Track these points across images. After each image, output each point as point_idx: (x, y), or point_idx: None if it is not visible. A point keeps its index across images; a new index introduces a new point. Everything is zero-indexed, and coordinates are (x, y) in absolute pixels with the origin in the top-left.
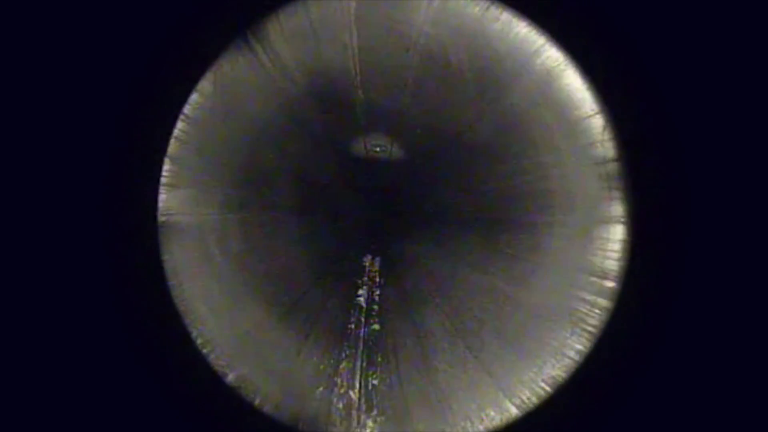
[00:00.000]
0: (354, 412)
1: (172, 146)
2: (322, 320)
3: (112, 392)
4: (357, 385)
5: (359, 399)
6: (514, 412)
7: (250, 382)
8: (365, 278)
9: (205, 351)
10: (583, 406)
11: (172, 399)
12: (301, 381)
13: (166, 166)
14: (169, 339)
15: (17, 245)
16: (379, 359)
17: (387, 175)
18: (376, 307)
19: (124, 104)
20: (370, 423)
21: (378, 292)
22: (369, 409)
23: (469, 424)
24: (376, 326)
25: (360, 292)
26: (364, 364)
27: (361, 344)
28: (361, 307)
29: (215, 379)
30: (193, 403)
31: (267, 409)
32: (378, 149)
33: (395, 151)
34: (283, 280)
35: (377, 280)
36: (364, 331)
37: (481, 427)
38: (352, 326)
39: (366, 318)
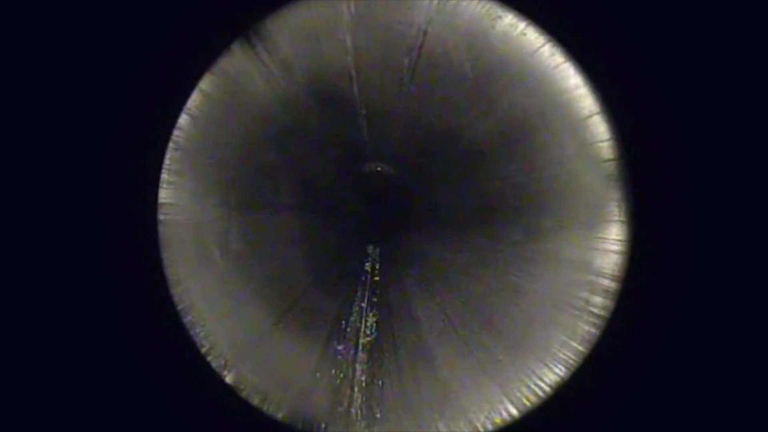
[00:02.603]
0: (353, 412)
1: (173, 145)
2: (322, 319)
3: (111, 392)
4: (356, 384)
5: (359, 398)
6: (513, 412)
7: (250, 382)
8: (366, 270)
9: (204, 351)
10: (583, 406)
11: (172, 399)
12: (301, 380)
13: (167, 165)
14: (169, 339)
15: (16, 246)
16: (379, 359)
17: (387, 175)
18: (375, 305)
19: (125, 103)
20: (369, 422)
21: (378, 291)
22: (368, 409)
23: (468, 424)
24: (375, 319)
25: (359, 290)
26: (364, 364)
27: (360, 344)
28: (361, 305)
29: (215, 378)
30: (193, 403)
31: (267, 409)
32: (378, 148)
33: (395, 151)
34: (283, 279)
35: (377, 276)
36: (363, 329)
37: (480, 427)
38: (352, 325)
39: (366, 316)
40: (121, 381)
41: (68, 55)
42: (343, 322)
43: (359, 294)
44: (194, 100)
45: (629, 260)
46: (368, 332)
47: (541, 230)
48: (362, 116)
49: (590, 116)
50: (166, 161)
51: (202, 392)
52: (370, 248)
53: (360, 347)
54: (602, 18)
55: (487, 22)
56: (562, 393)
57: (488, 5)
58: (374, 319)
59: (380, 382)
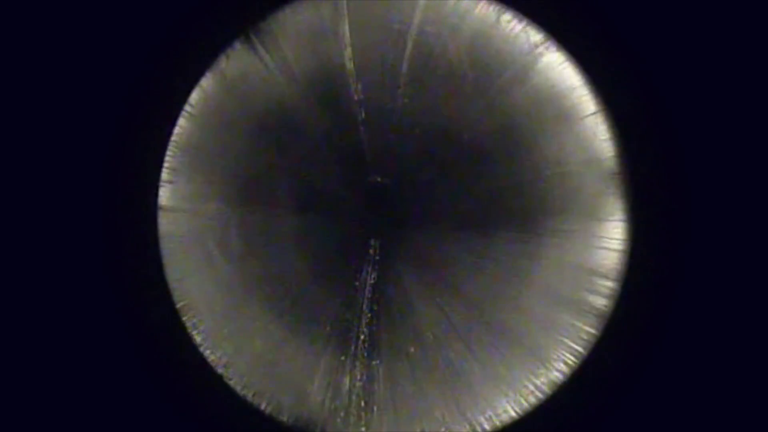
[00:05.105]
0: (353, 412)
1: (173, 145)
2: (322, 319)
3: (111, 392)
4: (356, 385)
5: (358, 398)
6: (512, 412)
7: (250, 382)
8: (366, 270)
9: (204, 351)
10: (582, 406)
11: (171, 399)
12: (301, 380)
13: (167, 165)
14: (169, 338)
15: (16, 246)
16: (378, 359)
17: (386, 175)
18: (375, 305)
19: (125, 103)
20: (368, 422)
21: (378, 291)
22: (368, 409)
23: (467, 425)
24: (374, 319)
25: (359, 290)
26: (364, 364)
27: (360, 344)
28: (360, 305)
29: (215, 378)
30: (193, 403)
31: (267, 409)
32: (377, 148)
33: (394, 151)
34: (282, 279)
35: (376, 276)
36: (363, 329)
37: (479, 428)
38: (352, 325)
39: (365, 315)
40: (120, 380)
41: (68, 55)
42: (343, 321)
43: (359, 294)
44: (194, 100)
45: (629, 260)
46: (367, 332)
47: (541, 230)
48: (362, 116)
49: (590, 115)
50: (166, 161)
51: (202, 392)
52: (369, 248)
53: (359, 347)
54: (602, 17)
55: (487, 22)
56: (562, 393)
57: (488, 5)
58: (374, 319)
59: (379, 382)
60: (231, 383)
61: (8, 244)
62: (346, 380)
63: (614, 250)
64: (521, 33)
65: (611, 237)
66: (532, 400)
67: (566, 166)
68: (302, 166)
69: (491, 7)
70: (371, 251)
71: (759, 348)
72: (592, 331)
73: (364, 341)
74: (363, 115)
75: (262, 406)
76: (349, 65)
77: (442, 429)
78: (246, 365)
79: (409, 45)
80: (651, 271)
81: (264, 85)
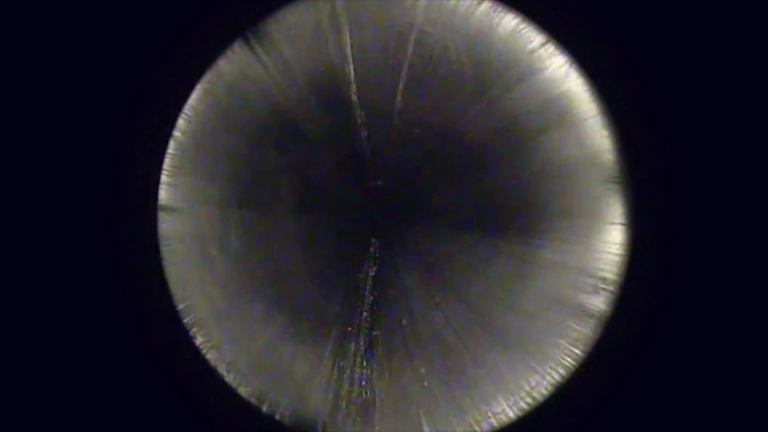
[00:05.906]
0: (352, 411)
1: (173, 146)
2: (322, 319)
3: (111, 392)
4: (355, 384)
5: (357, 398)
6: (510, 414)
7: (250, 382)
8: (366, 270)
9: (204, 351)
10: (579, 409)
11: (172, 399)
12: (301, 380)
13: (167, 166)
14: (169, 339)
15: (17, 246)
16: (378, 359)
17: (386, 175)
18: (374, 305)
19: (125, 103)
20: (367, 422)
21: (377, 291)
22: (367, 408)
23: (466, 426)
24: (374, 319)
25: (358, 290)
26: (363, 364)
27: (359, 343)
28: (360, 305)
29: (215, 378)
30: (193, 403)
31: (266, 409)
32: (377, 149)
33: (394, 151)
34: (283, 279)
35: (376, 276)
36: (362, 329)
37: (477, 428)
38: (351, 325)
39: (364, 316)
40: (120, 381)
41: (68, 55)
42: (342, 321)
43: (358, 294)
44: (194, 100)
45: (628, 263)
46: (367, 332)
47: (541, 231)
48: (361, 116)
49: (590, 117)
50: (166, 161)
51: (202, 392)
52: (369, 248)
53: (359, 347)
54: (602, 18)
55: (487, 22)
56: (559, 396)
57: (488, 5)
58: (373, 319)
59: (379, 382)
60: (231, 383)
61: (9, 245)
62: (346, 379)
63: (613, 253)
64: (522, 34)
65: (610, 240)
66: (530, 401)
67: (566, 169)
68: (302, 166)
69: (492, 9)
70: (371, 251)
71: (758, 352)
72: (590, 333)
73: (363, 341)
74: (363, 115)
75: (262, 406)
76: (349, 66)
77: (441, 429)
78: (246, 365)
79: (410, 45)
80: (650, 274)
81: (263, 86)
